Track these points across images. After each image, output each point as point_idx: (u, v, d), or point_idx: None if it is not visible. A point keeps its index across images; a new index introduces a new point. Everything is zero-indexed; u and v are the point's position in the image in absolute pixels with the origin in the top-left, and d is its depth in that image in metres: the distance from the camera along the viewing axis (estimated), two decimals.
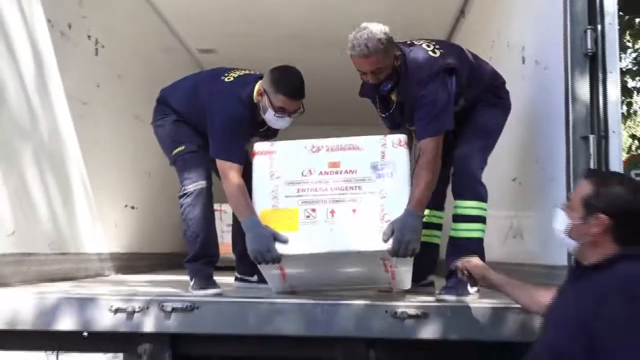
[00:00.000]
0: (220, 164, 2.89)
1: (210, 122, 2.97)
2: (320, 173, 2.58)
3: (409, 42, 2.89)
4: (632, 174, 11.19)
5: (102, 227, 4.00)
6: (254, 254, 2.55)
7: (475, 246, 2.82)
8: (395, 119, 3.01)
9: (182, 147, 3.12)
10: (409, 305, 2.45)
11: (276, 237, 2.54)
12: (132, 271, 4.20)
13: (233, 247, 3.51)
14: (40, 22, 3.35)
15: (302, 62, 3.09)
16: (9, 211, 3.01)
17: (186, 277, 3.01)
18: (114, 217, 4.28)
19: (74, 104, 3.67)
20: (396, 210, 2.53)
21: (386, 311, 2.43)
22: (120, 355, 2.50)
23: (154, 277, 3.93)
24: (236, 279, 3.38)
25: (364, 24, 2.71)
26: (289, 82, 2.85)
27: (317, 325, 2.46)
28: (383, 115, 3.04)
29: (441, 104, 2.72)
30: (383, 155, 2.60)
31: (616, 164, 2.55)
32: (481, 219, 2.88)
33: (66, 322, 2.44)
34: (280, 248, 2.52)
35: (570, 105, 2.58)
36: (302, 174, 2.58)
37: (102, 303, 2.46)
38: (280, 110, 2.86)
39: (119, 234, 4.30)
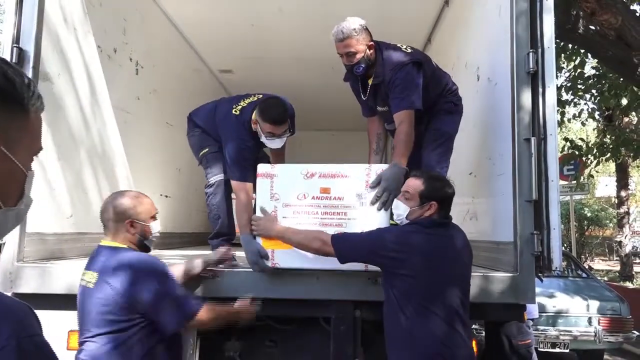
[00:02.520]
0: (234, 184, 2.91)
1: (224, 147, 2.99)
2: (313, 197, 2.41)
3: (387, 42, 2.91)
4: (565, 169, 11.23)
5: None
6: (249, 263, 2.51)
7: None
8: (369, 103, 3.00)
9: (207, 150, 3.20)
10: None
11: (260, 253, 2.43)
12: (167, 247, 4.18)
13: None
14: (92, 48, 3.32)
15: (303, 79, 3.12)
16: (67, 199, 3.00)
17: (210, 252, 3.00)
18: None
19: (119, 113, 3.64)
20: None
21: (368, 278, 2.45)
22: None
23: (184, 252, 3.92)
24: None
25: (347, 18, 2.77)
26: (271, 111, 2.81)
27: (314, 290, 2.47)
28: (361, 100, 3.04)
29: (412, 86, 2.72)
30: (367, 184, 2.41)
31: (553, 161, 2.54)
32: None
33: None
34: (277, 260, 2.42)
35: (515, 114, 2.58)
36: (297, 197, 2.41)
37: None
38: (269, 135, 2.84)
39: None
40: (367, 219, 2.38)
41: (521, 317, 2.69)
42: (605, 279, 12.21)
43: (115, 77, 3.59)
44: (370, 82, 2.87)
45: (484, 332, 4.48)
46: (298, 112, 3.11)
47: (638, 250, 15.44)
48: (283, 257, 2.42)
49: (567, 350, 5.79)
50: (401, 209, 2.24)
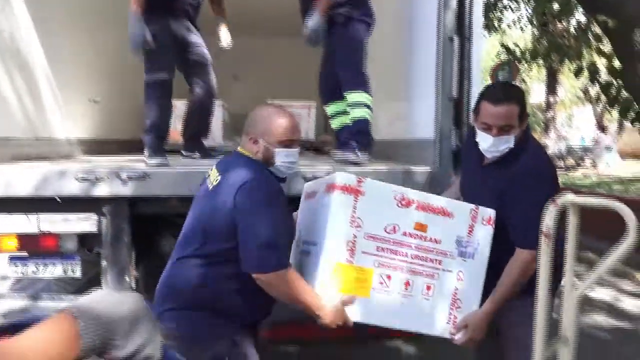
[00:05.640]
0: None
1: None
2: (404, 234, 1.84)
3: None
4: (500, 75, 11.55)
5: (69, 116, 3.83)
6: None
7: (364, 124, 2.96)
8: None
9: (153, 41, 2.96)
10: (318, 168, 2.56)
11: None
12: (97, 154, 4.10)
13: (183, 132, 3.52)
14: None
15: None
16: None
17: (142, 157, 2.99)
18: (81, 108, 4.10)
19: (35, 9, 3.35)
20: (468, 300, 1.93)
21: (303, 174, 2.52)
22: (91, 215, 2.50)
23: (115, 157, 3.87)
24: (182, 155, 3.40)
25: None
26: None
27: None
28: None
29: None
30: (470, 231, 1.91)
31: (476, 60, 2.65)
32: (368, 106, 2.99)
33: (42, 190, 2.43)
34: (348, 312, 1.80)
35: (441, 12, 2.61)
36: (385, 229, 1.82)
37: (70, 174, 2.44)
38: None
39: (85, 123, 4.15)
40: (465, 274, 1.91)
41: None
42: None
43: None
44: None
45: None
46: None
47: (562, 153, 16.51)
48: (363, 309, 1.81)
49: None
50: (511, 141, 1.91)
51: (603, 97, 6.07)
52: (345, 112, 3.10)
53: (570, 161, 15.98)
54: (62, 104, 3.69)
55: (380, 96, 3.18)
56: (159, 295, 1.85)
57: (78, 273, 2.56)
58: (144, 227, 2.62)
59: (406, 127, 3.22)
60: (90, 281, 2.71)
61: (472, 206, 1.94)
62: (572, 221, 1.35)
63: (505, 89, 2.04)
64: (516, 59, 9.91)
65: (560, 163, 15.23)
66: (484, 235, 1.93)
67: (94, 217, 2.48)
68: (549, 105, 14.67)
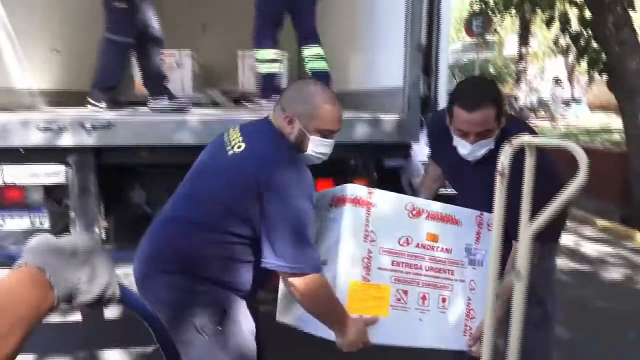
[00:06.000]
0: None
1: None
2: (417, 245, 1.74)
3: None
4: (474, 25, 11.52)
5: (30, 67, 3.69)
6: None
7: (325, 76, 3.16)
8: None
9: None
10: None
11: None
12: (61, 105, 3.98)
13: (144, 82, 3.47)
14: None
15: None
16: None
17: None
18: (42, 58, 3.94)
19: None
20: (480, 309, 1.82)
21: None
22: (56, 166, 2.45)
23: (79, 108, 3.77)
24: (149, 102, 3.31)
25: None
26: None
27: (213, 136, 2.50)
28: None
29: None
30: (478, 237, 1.85)
31: (446, 10, 2.66)
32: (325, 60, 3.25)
33: (4, 141, 2.36)
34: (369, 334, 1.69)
35: None
36: (399, 242, 1.71)
37: (32, 124, 2.38)
38: None
39: (47, 74, 4.00)
40: (477, 282, 1.84)
41: (408, 155, 2.96)
42: None
43: None
44: None
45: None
46: None
47: (534, 105, 16.71)
48: (382, 330, 1.70)
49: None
50: (491, 144, 1.82)
51: (573, 48, 6.14)
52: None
53: (542, 113, 16.22)
54: (22, 55, 3.54)
55: (349, 47, 3.17)
56: (145, 254, 1.68)
57: (46, 225, 2.54)
58: (112, 178, 2.59)
59: (375, 77, 3.22)
60: (59, 233, 2.69)
61: (477, 212, 1.86)
62: (529, 162, 1.40)
63: (478, 92, 1.86)
64: (489, 9, 9.86)
65: (532, 115, 15.45)
66: (489, 241, 1.81)
67: (59, 168, 2.44)
68: (521, 57, 14.74)
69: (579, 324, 3.47)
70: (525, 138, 1.37)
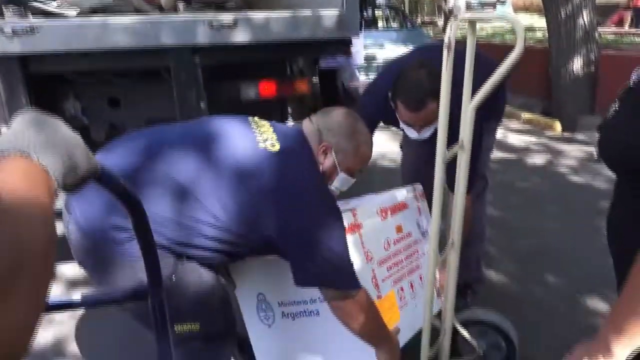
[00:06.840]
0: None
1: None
2: (395, 242, 1.82)
3: None
4: None
5: None
6: None
7: None
8: None
9: None
10: (223, 16, 2.46)
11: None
12: None
13: None
14: None
15: None
16: None
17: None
18: None
19: None
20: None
21: (204, 22, 2.43)
22: None
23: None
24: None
25: None
26: None
27: (148, 38, 2.40)
28: None
29: None
30: (419, 210, 1.99)
31: None
32: None
33: None
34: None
35: None
36: (384, 247, 1.75)
37: None
38: None
39: None
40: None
41: (348, 52, 2.97)
42: (430, 32, 13.41)
43: None
44: None
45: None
46: None
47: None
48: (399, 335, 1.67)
49: None
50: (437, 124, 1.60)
51: None
52: None
53: None
54: None
55: None
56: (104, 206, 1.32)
57: None
58: (43, 87, 2.45)
59: None
60: None
61: (411, 188, 2.01)
62: (470, 40, 1.46)
63: (421, 91, 1.82)
64: None
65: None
66: (425, 208, 2.02)
67: None
68: None
69: (507, 202, 3.84)
70: (466, 14, 1.43)
